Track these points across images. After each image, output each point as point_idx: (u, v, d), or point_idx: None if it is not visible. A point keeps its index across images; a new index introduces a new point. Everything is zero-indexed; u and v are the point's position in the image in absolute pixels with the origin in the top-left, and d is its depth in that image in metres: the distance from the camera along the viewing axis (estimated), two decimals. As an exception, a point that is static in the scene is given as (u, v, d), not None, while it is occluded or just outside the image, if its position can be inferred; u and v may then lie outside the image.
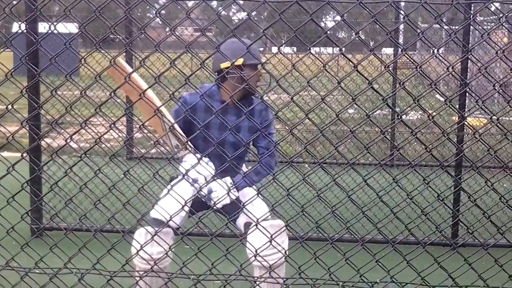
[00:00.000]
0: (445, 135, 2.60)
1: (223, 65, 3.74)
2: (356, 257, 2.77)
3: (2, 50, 2.55)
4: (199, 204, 3.79)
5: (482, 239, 5.28)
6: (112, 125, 2.62)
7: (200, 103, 3.75)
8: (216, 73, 3.81)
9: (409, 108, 8.22)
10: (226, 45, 3.71)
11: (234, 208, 3.63)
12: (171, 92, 2.52)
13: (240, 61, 3.69)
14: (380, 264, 2.70)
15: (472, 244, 4.95)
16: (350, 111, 12.12)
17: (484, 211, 2.82)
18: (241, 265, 2.78)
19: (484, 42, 2.82)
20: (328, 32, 2.50)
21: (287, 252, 3.30)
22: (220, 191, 3.62)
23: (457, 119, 7.05)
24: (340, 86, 2.47)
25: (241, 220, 3.81)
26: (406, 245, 4.07)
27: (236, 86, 3.68)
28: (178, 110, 3.81)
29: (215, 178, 3.59)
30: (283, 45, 2.71)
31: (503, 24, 2.75)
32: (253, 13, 2.44)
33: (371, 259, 2.70)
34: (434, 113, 2.86)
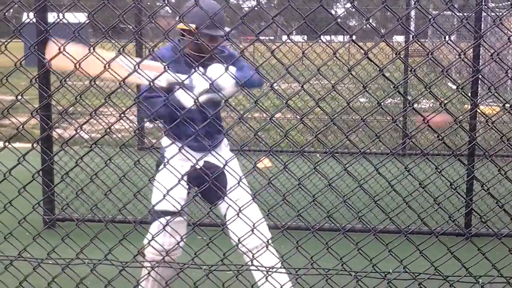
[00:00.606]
0: (458, 123, 2.57)
1: (179, 27, 3.68)
2: (369, 247, 2.75)
3: (10, 39, 2.54)
4: (195, 179, 3.74)
5: (496, 228, 5.25)
6: (122, 115, 2.61)
7: (168, 56, 3.67)
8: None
9: (421, 96, 8.17)
10: (190, 3, 3.56)
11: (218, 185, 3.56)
12: (181, 81, 2.51)
13: (192, 27, 3.54)
14: (392, 254, 2.68)
15: (485, 234, 4.92)
16: (362, 100, 12.07)
17: (497, 200, 2.79)
18: (253, 255, 2.77)
19: (496, 28, 2.79)
20: (339, 19, 2.47)
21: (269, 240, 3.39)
22: (200, 82, 3.54)
23: (469, 107, 7.00)
24: (351, 74, 2.44)
25: (224, 206, 3.83)
26: (419, 235, 4.05)
27: (192, 48, 3.68)
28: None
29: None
30: (293, 33, 2.68)
31: (517, 10, 2.71)
32: (263, 1, 2.42)
33: (383, 249, 2.68)
34: (446, 101, 2.83)
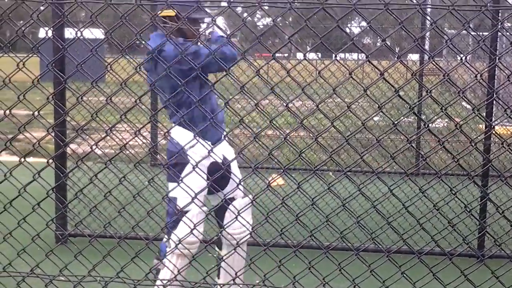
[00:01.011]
0: (473, 144, 2.56)
1: (162, 14, 3.74)
2: (381, 268, 2.73)
3: (29, 56, 2.56)
4: (213, 172, 3.80)
5: (509, 250, 5.21)
6: (138, 132, 2.61)
7: (174, 53, 3.67)
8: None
9: (436, 117, 8.14)
10: None
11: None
12: (196, 99, 2.51)
13: (172, 13, 3.64)
14: (405, 276, 2.66)
15: (499, 256, 4.87)
16: (375, 118, 12.05)
17: (511, 223, 2.77)
18: (264, 275, 2.76)
19: (513, 50, 2.78)
20: (355, 37, 2.47)
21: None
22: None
23: (484, 127, 6.97)
24: (367, 94, 2.44)
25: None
26: (432, 256, 4.03)
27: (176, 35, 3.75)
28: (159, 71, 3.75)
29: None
30: (308, 52, 2.68)
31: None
32: (278, 19, 2.43)
33: (396, 271, 2.66)
34: (461, 122, 2.81)
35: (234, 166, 4.04)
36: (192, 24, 3.75)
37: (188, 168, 3.81)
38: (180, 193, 3.72)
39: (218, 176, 3.60)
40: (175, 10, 3.30)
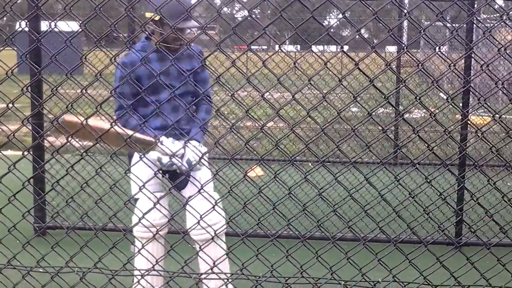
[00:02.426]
0: (448, 133, 2.59)
1: (147, 15, 3.74)
2: (358, 256, 2.76)
3: (3, 48, 2.54)
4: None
5: (486, 238, 5.27)
6: (113, 123, 2.61)
7: (137, 59, 3.67)
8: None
9: (411, 106, 8.21)
10: None
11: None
12: (171, 90, 2.51)
13: (156, 17, 3.62)
14: (382, 263, 2.69)
15: (475, 243, 4.93)
16: (354, 109, 12.10)
17: (487, 210, 2.81)
18: (242, 264, 2.77)
19: (487, 40, 2.81)
20: (331, 30, 2.49)
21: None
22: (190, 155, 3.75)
23: (460, 117, 7.05)
24: (342, 84, 2.46)
25: (186, 192, 3.89)
26: (409, 244, 4.06)
27: (162, 37, 3.70)
28: (121, 74, 3.69)
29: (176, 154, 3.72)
30: (286, 43, 2.69)
31: (506, 22, 2.74)
32: (256, 11, 2.44)
33: (373, 258, 2.69)
34: (437, 111, 2.85)
35: (202, 172, 3.93)
36: (178, 31, 3.71)
37: (135, 158, 3.85)
38: (132, 183, 3.81)
39: (171, 173, 3.71)
40: (162, 16, 3.28)
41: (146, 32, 3.76)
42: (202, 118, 3.92)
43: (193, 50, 3.90)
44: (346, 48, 2.53)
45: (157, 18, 3.63)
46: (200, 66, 3.85)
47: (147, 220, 3.12)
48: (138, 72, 3.72)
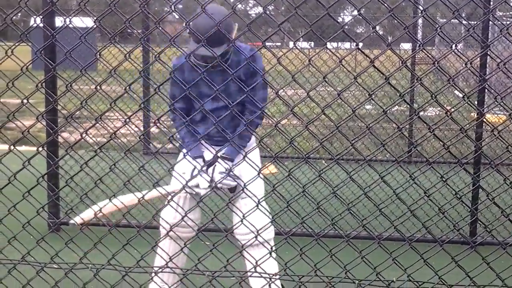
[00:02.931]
0: (463, 132, 2.57)
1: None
2: (373, 255, 2.75)
3: (18, 44, 2.55)
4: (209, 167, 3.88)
5: (501, 237, 5.23)
6: (128, 119, 2.61)
7: (187, 64, 3.70)
8: None
9: (426, 104, 8.17)
10: (206, 7, 3.41)
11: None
12: (186, 87, 2.50)
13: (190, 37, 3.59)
14: (396, 262, 2.67)
15: (490, 243, 4.89)
16: (368, 107, 12.05)
17: (502, 210, 2.78)
18: (256, 262, 2.77)
19: (504, 38, 2.78)
20: (346, 27, 2.47)
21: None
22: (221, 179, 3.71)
23: (475, 115, 7.00)
24: (357, 82, 2.44)
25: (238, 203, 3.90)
26: (424, 243, 4.04)
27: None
28: (172, 80, 3.75)
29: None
30: (300, 40, 2.68)
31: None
32: (270, 8, 2.42)
33: (388, 257, 2.67)
34: (452, 110, 2.82)
35: (245, 170, 3.86)
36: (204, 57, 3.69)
37: (180, 156, 3.87)
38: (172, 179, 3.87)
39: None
40: (192, 31, 3.17)
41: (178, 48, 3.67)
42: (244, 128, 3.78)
43: (241, 51, 3.65)
44: (360, 45, 2.50)
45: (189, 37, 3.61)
46: (250, 71, 3.71)
47: (163, 220, 3.15)
48: (187, 77, 3.73)
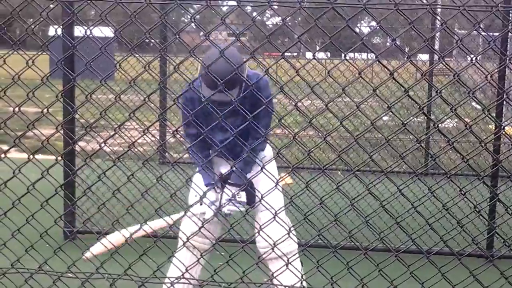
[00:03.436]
0: (482, 144, 2.54)
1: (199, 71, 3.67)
2: (390, 267, 2.72)
3: (38, 54, 2.56)
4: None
5: (518, 251, 5.18)
6: (146, 130, 2.62)
7: (198, 97, 3.68)
8: None
9: (445, 117, 8.12)
10: (214, 50, 3.48)
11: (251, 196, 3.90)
12: (204, 98, 2.51)
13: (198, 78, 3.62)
14: (413, 276, 2.65)
15: (508, 256, 4.85)
16: (385, 118, 12.00)
17: (521, 224, 2.76)
18: (272, 273, 2.75)
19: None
20: (365, 37, 2.46)
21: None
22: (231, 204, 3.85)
23: (493, 127, 6.95)
24: (376, 94, 2.43)
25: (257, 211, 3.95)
26: (441, 256, 4.00)
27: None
28: (185, 106, 3.75)
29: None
30: (318, 52, 2.68)
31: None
32: (287, 18, 2.42)
33: (405, 270, 2.65)
34: (471, 122, 2.80)
35: (263, 183, 3.90)
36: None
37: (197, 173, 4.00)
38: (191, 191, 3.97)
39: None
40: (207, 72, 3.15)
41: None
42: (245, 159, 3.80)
43: (248, 81, 3.53)
44: (378, 57, 2.50)
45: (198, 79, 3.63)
46: (256, 99, 3.67)
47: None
48: (198, 106, 3.72)
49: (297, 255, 3.85)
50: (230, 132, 3.47)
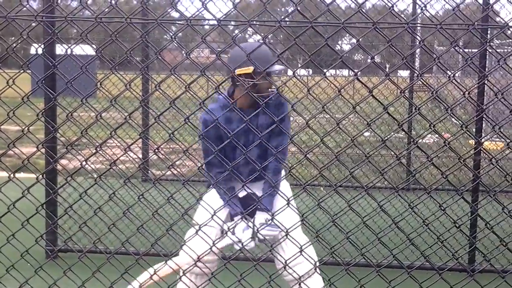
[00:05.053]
0: (461, 160, 2.58)
1: (238, 72, 3.67)
2: (372, 282, 2.74)
3: (19, 74, 2.57)
4: (242, 206, 3.93)
5: (500, 265, 5.22)
6: (127, 148, 2.62)
7: (221, 117, 3.73)
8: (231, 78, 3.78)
9: (425, 133, 8.20)
10: (239, 51, 3.59)
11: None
12: (186, 116, 2.52)
13: (250, 70, 3.62)
14: (395, 290, 2.67)
15: (489, 270, 4.88)
16: (366, 134, 12.07)
17: (501, 238, 2.78)
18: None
19: (502, 67, 2.80)
20: (344, 55, 2.49)
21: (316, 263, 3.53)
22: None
23: (473, 143, 7.02)
24: (356, 111, 2.45)
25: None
26: (422, 271, 4.03)
27: (247, 92, 3.66)
28: (205, 134, 3.75)
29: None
30: (298, 69, 2.70)
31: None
32: (269, 36, 2.45)
33: (386, 285, 2.67)
34: (450, 137, 2.84)
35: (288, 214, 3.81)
36: (266, 77, 3.67)
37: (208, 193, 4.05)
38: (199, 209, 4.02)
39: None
40: (256, 64, 3.20)
41: (222, 94, 3.62)
42: (270, 178, 3.87)
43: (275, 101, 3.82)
44: (358, 74, 2.53)
45: (250, 71, 3.63)
46: (279, 114, 3.74)
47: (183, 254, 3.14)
48: (220, 131, 3.74)
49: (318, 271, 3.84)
50: (252, 151, 3.61)
